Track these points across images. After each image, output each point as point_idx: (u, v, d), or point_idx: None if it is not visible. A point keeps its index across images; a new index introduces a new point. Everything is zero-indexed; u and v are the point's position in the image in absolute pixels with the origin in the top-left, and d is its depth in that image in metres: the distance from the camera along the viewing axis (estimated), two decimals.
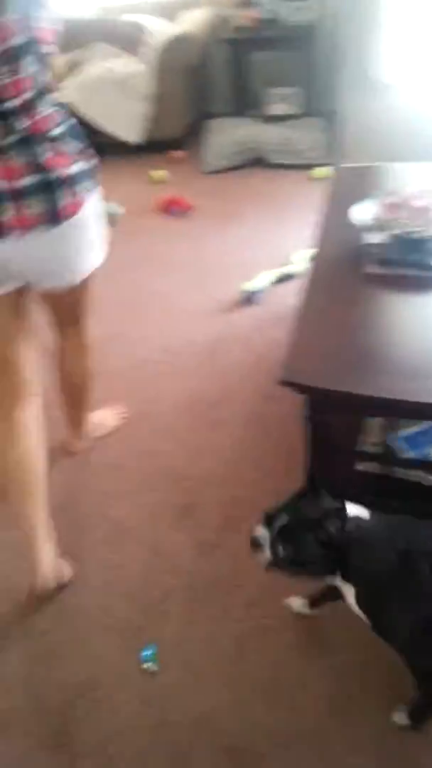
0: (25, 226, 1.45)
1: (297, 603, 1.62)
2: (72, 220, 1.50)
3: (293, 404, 2.29)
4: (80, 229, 1.54)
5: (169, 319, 2.87)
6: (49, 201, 1.45)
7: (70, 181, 1.47)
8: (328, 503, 1.29)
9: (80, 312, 1.85)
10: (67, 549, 1.85)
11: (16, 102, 1.38)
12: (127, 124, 4.36)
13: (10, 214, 1.43)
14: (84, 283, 1.70)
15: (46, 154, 1.43)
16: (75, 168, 1.49)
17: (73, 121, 1.54)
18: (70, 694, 1.52)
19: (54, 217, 1.47)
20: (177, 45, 4.21)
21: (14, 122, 1.39)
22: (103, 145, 4.22)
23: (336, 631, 1.60)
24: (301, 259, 3.11)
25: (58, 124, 1.47)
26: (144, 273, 3.14)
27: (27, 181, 1.42)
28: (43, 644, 1.63)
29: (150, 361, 2.62)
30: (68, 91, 4.46)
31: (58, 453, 2.15)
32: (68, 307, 1.81)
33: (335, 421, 1.63)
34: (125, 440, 2.24)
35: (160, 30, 4.34)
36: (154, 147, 4.47)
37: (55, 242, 1.52)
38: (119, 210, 3.48)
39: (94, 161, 1.57)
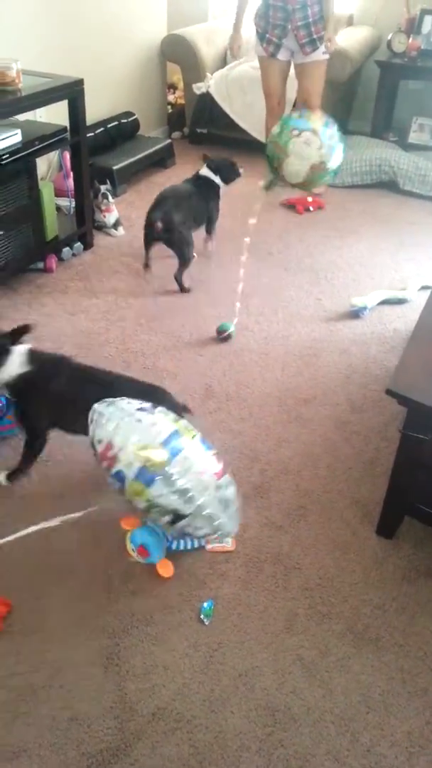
0: None
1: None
2: None
3: (379, 420, 2.36)
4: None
5: (274, 314, 2.97)
6: None
7: None
8: None
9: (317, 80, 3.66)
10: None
11: None
12: (260, 123, 4.45)
13: None
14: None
15: None
16: None
17: None
18: (126, 623, 1.64)
19: None
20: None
21: None
22: (237, 141, 4.40)
23: (391, 633, 1.66)
24: (416, 286, 3.16)
25: None
26: (258, 266, 3.26)
27: None
28: (112, 578, 1.75)
29: (248, 350, 2.72)
30: (210, 82, 4.62)
31: None
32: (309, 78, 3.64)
33: (429, 439, 1.68)
34: (214, 416, 2.36)
35: None
36: None
37: None
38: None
39: None
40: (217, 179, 3.23)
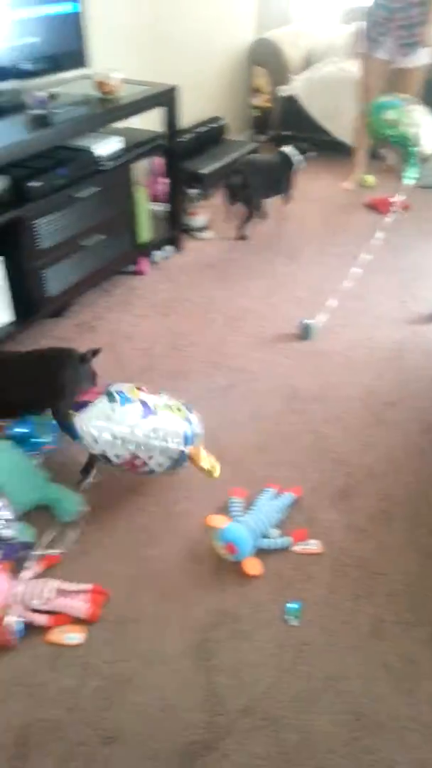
0: None
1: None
2: None
3: None
4: None
5: (358, 316, 2.96)
6: None
7: None
8: None
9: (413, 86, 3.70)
10: (221, 503, 2.03)
11: None
12: (346, 125, 4.43)
13: None
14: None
15: None
16: None
17: None
18: (214, 619, 1.68)
19: None
20: None
21: None
22: (321, 142, 4.39)
23: None
24: None
25: None
26: (342, 268, 3.26)
27: None
28: (202, 574, 1.81)
29: (333, 353, 2.72)
30: (296, 84, 4.62)
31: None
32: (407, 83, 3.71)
33: None
34: (300, 416, 2.37)
35: None
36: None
37: None
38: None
39: None
40: (295, 158, 3.66)
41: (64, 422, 2.02)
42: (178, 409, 1.97)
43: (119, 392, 1.92)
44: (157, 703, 1.51)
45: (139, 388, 1.99)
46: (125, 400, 1.90)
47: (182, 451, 1.92)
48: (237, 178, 3.44)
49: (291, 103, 4.67)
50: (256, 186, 3.49)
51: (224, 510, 1.95)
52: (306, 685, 1.55)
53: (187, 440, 1.93)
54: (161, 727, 1.47)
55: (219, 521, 1.86)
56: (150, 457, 1.89)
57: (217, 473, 1.95)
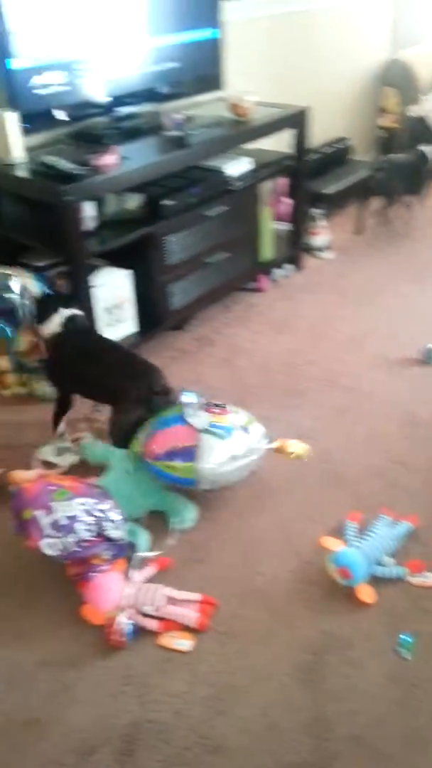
0: None
1: None
2: None
3: None
4: None
5: None
6: None
7: None
8: None
9: None
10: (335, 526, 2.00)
11: None
12: None
13: None
14: None
15: None
16: None
17: None
18: (324, 642, 1.66)
19: None
20: None
21: None
22: None
23: None
24: None
25: None
26: None
27: None
28: (313, 595, 1.79)
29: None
30: (427, 104, 4.53)
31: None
32: None
33: None
34: (418, 443, 2.31)
35: None
36: None
37: None
38: None
39: None
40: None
41: (116, 429, 2.08)
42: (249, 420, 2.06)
43: (217, 426, 1.94)
44: (263, 719, 1.51)
45: (210, 409, 2.02)
46: (228, 430, 1.94)
47: (268, 450, 2.06)
48: (380, 173, 3.66)
49: (420, 123, 4.58)
50: (394, 182, 3.68)
51: (339, 533, 1.93)
52: (417, 722, 1.49)
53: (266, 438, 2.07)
54: (266, 744, 1.46)
55: (334, 544, 1.84)
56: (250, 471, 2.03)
57: (305, 454, 2.13)
